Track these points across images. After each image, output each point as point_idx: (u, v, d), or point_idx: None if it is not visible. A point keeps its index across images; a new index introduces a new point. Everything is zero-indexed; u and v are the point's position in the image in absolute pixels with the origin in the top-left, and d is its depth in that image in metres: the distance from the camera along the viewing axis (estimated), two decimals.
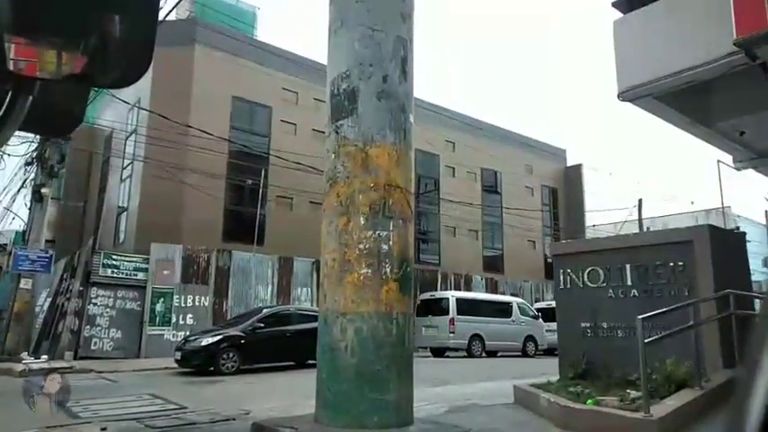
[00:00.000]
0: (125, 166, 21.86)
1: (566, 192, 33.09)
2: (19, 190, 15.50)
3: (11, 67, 0.85)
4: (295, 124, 22.75)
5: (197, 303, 16.57)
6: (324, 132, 5.14)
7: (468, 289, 22.66)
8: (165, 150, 17.46)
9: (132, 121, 21.74)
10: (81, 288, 15.08)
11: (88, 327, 14.83)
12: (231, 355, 12.28)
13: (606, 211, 35.50)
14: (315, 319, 14.76)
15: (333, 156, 4.79)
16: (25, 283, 14.38)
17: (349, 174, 4.63)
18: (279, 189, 21.59)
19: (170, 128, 16.19)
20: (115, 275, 15.31)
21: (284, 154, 20.83)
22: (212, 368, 12.07)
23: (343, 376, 4.37)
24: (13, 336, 14.27)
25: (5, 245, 39.62)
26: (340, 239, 4.59)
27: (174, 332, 16.01)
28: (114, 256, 15.45)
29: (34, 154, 15.25)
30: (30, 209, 15.28)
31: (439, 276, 22.64)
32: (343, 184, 4.64)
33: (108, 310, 15.16)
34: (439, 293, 19.45)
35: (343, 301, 4.49)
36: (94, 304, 14.99)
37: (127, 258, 15.60)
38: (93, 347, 14.82)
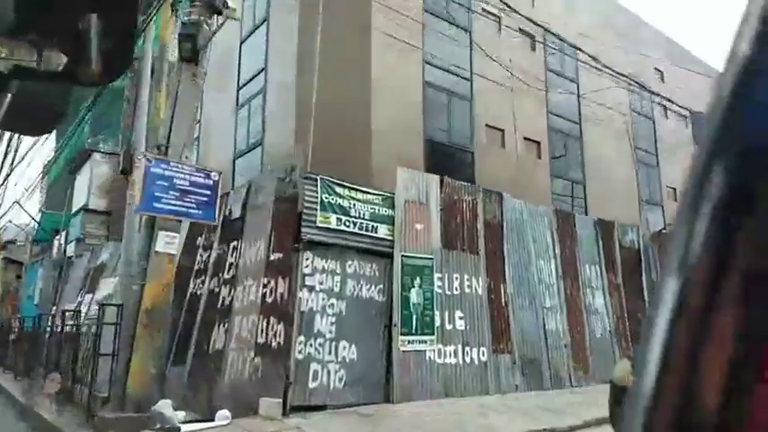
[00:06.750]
0: (245, 82, 13.84)
1: None
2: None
3: None
4: (499, 18, 14.75)
5: (465, 288, 8.52)
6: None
7: None
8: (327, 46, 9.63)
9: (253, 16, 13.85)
10: (278, 255, 7.01)
11: (302, 339, 6.72)
12: None
13: None
14: None
15: None
16: (167, 242, 6.29)
17: None
18: (486, 116, 13.68)
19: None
20: (345, 228, 7.24)
21: (493, 68, 13.14)
22: None
23: None
24: (142, 360, 6.18)
25: (14, 241, 31.65)
26: None
27: (440, 347, 7.95)
28: (339, 189, 7.31)
29: None
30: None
31: None
32: None
33: (333, 300, 7.07)
34: None
35: None
36: (310, 289, 6.88)
37: (362, 194, 7.54)
38: (312, 384, 6.73)
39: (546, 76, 15.59)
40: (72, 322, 8.86)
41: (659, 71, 20.12)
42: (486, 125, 13.65)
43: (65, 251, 19.57)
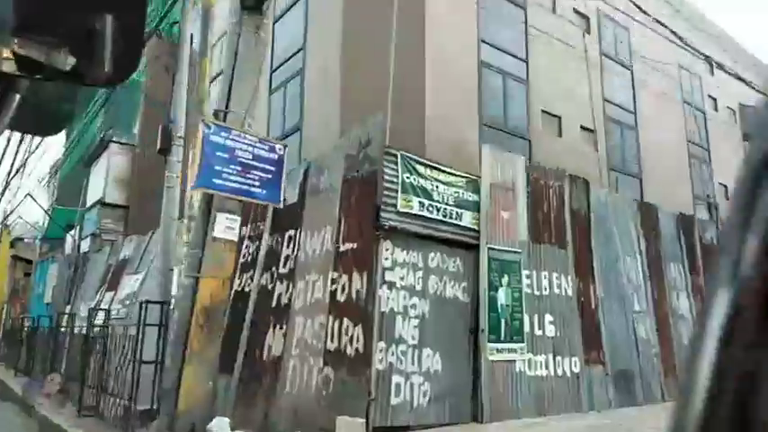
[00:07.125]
0: (280, 64, 12.76)
1: None
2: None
3: None
4: None
5: (555, 288, 7.38)
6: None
7: None
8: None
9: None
10: (351, 245, 5.88)
11: (382, 345, 5.59)
12: None
13: None
14: None
15: None
16: (228, 226, 5.19)
17: None
18: (542, 101, 12.54)
19: None
20: (428, 215, 6.13)
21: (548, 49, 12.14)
22: None
23: None
24: (197, 370, 5.07)
25: (22, 238, 30.68)
26: None
27: (531, 356, 6.81)
28: (420, 168, 6.19)
29: None
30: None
31: None
32: None
33: (416, 300, 5.95)
34: None
35: None
36: (390, 285, 5.76)
37: (446, 175, 6.41)
38: (395, 400, 5.59)
39: (601, 61, 14.45)
40: (99, 322, 7.77)
41: (708, 63, 18.90)
42: (543, 111, 12.53)
43: (79, 247, 18.53)
